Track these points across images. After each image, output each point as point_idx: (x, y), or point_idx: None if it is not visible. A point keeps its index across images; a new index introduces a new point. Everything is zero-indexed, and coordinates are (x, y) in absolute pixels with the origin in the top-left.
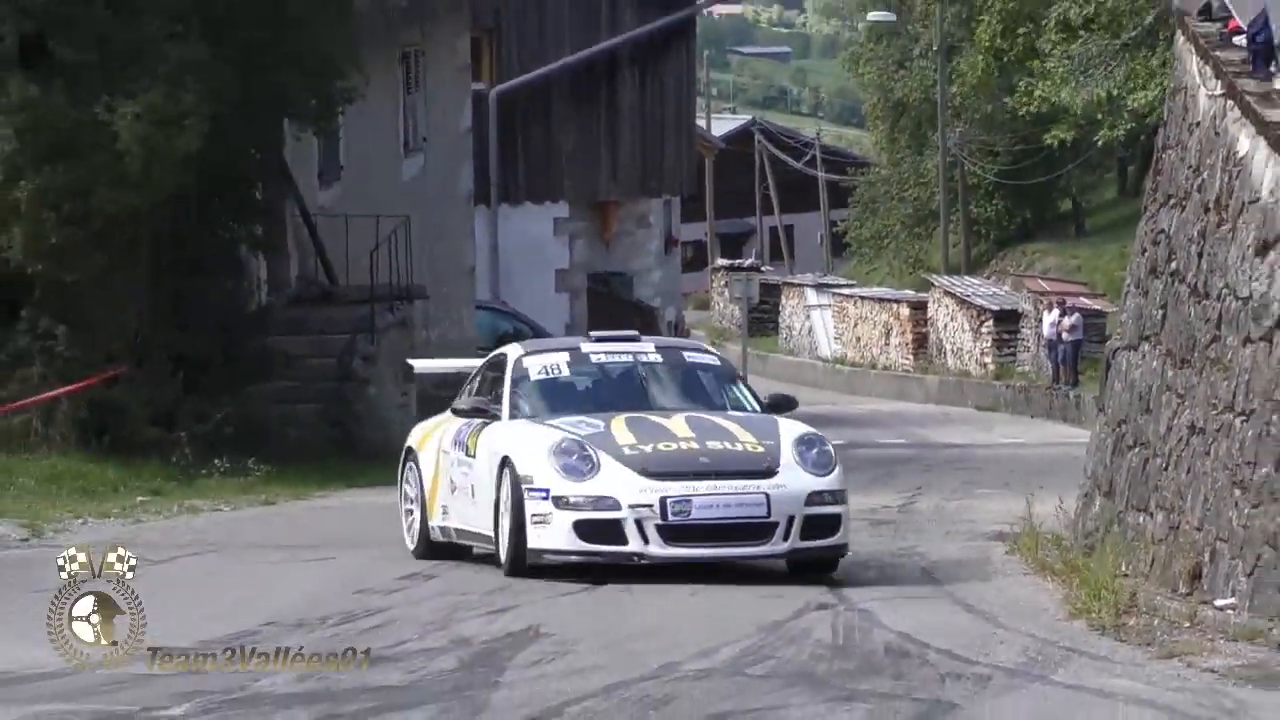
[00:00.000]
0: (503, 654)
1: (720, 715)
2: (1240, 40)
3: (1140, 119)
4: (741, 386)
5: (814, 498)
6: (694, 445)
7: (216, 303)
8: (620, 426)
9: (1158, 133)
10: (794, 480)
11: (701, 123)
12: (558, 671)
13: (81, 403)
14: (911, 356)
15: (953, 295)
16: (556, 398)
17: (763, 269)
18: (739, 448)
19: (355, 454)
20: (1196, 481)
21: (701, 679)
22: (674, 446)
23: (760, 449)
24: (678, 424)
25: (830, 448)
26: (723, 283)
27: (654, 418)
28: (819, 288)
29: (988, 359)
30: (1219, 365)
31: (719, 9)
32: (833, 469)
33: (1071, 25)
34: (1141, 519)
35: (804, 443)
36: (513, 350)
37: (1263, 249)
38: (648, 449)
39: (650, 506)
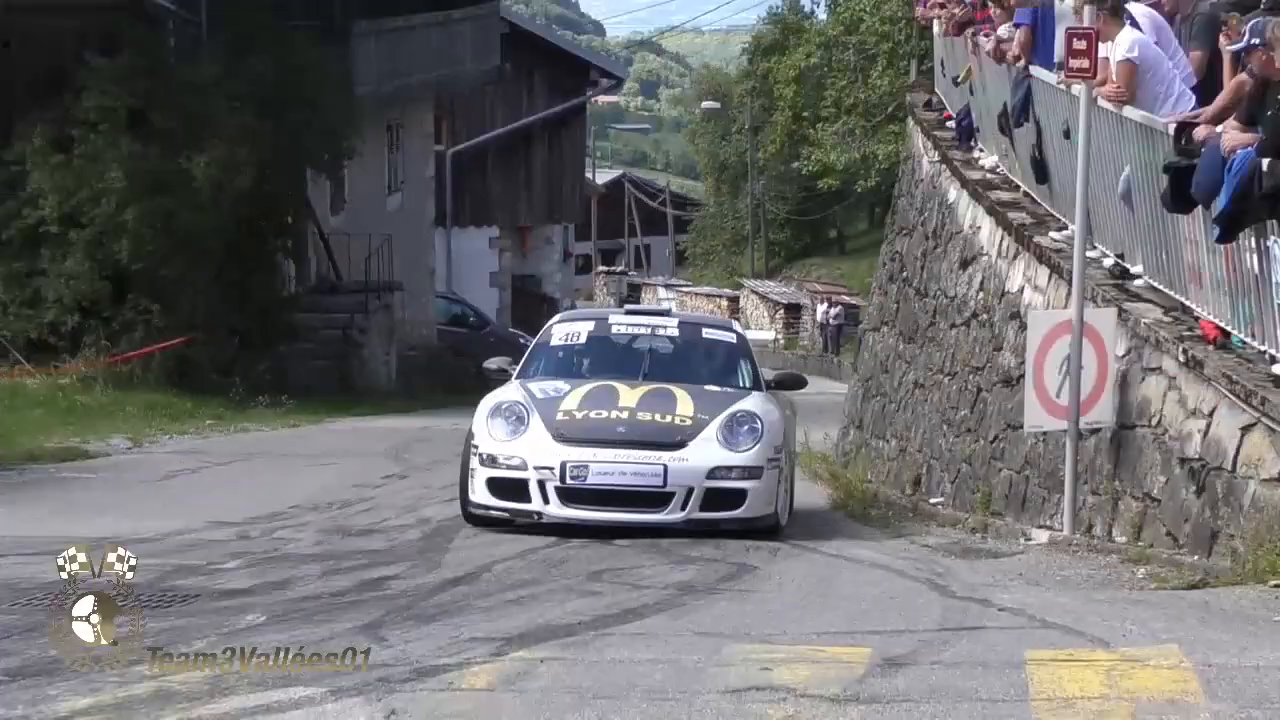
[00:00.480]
0: (452, 529)
1: (598, 571)
2: (951, 124)
3: (885, 173)
4: (745, 363)
5: (717, 472)
6: (623, 415)
7: (261, 291)
8: (577, 393)
9: (895, 185)
10: (700, 454)
11: (589, 174)
12: (489, 541)
13: (169, 357)
14: None
15: (757, 293)
16: (561, 363)
17: (629, 273)
18: (665, 420)
19: (353, 394)
20: (918, 420)
21: (586, 548)
22: (604, 415)
23: (687, 423)
24: (632, 394)
25: (760, 426)
26: (602, 282)
27: (619, 385)
28: (667, 286)
29: (780, 336)
30: (934, 342)
31: (601, 98)
32: (752, 448)
33: (840, 104)
34: (881, 444)
35: (735, 419)
36: (555, 318)
37: (964, 264)
38: (579, 415)
39: (551, 469)
